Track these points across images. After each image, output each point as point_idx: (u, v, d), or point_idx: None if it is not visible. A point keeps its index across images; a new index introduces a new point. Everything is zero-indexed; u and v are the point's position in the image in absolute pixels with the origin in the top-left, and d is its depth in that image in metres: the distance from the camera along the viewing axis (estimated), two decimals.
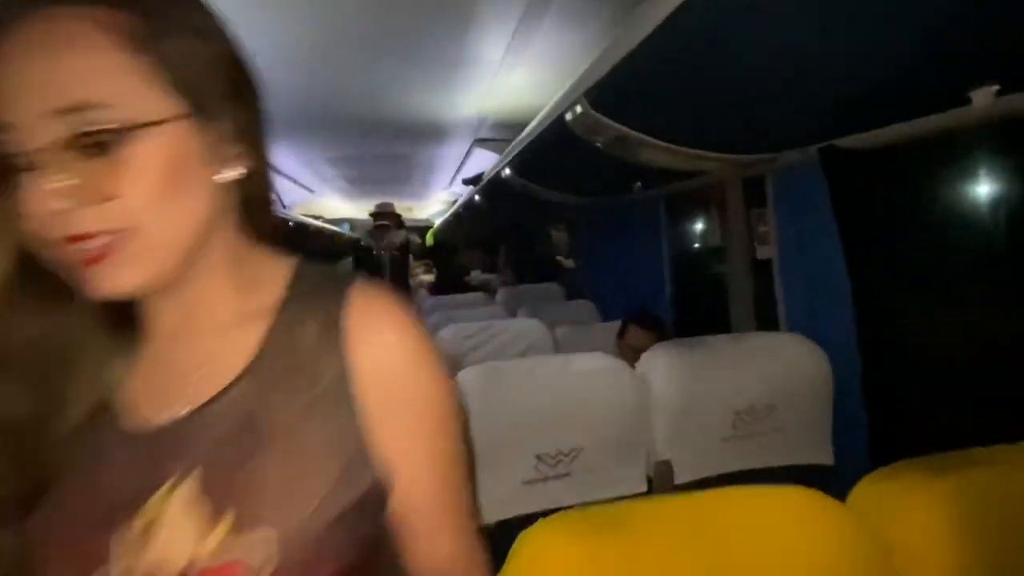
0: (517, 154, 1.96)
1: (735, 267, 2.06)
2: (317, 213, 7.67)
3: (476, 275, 6.41)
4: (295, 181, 5.46)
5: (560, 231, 4.62)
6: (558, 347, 2.34)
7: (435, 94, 2.68)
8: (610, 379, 1.42)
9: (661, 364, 1.44)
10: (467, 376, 1.38)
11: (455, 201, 6.26)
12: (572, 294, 3.70)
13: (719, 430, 1.42)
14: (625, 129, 1.22)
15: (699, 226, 2.86)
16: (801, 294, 1.68)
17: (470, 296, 3.94)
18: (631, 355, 1.65)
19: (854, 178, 1.45)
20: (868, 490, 0.86)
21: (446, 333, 2.31)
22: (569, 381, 1.41)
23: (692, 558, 0.80)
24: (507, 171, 2.21)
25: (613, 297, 3.10)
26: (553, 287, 3.89)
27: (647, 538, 0.81)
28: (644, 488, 1.42)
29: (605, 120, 1.19)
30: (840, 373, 1.46)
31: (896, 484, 0.84)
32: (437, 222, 8.51)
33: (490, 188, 2.90)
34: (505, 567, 0.74)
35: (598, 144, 1.28)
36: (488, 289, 4.40)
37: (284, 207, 5.48)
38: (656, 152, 1.33)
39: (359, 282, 0.58)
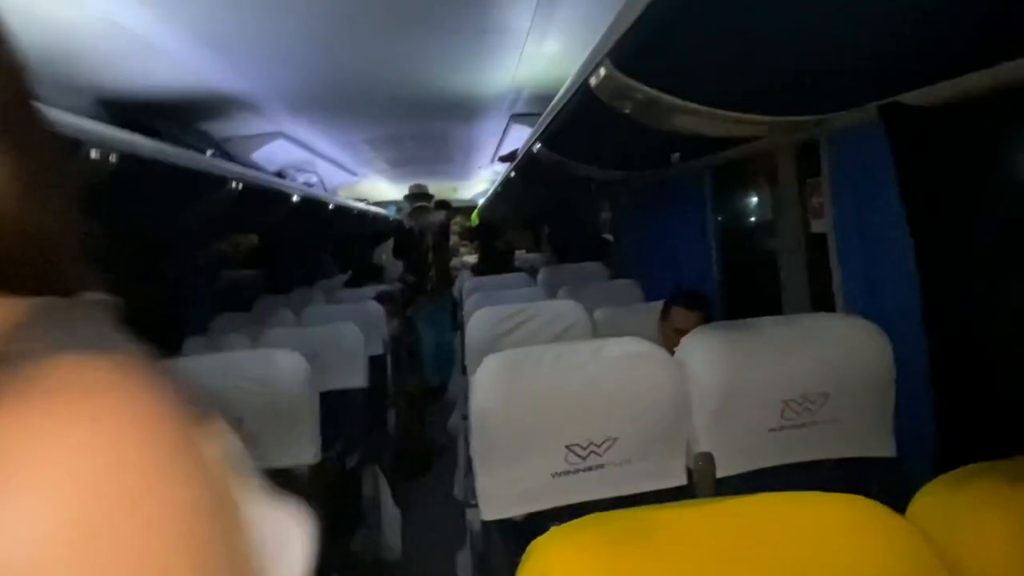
0: (546, 127, 1.86)
1: (787, 243, 1.93)
2: (363, 196, 7.74)
3: (521, 255, 6.37)
4: (337, 164, 5.49)
5: (604, 207, 4.49)
6: (597, 329, 2.25)
7: (466, 68, 2.60)
8: (646, 365, 1.34)
9: (701, 349, 1.34)
10: (492, 363, 1.32)
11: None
12: (619, 273, 3.59)
13: (766, 420, 1.32)
14: (655, 91, 1.11)
15: (749, 199, 2.71)
16: (860, 271, 1.54)
17: (512, 277, 3.89)
18: (674, 338, 1.56)
19: (921, 139, 1.29)
20: (931, 499, 0.74)
21: (480, 316, 2.26)
22: (602, 367, 1.34)
23: (726, 574, 0.70)
24: (538, 146, 2.12)
25: (658, 276, 2.98)
26: (597, 266, 3.79)
27: (674, 549, 0.72)
28: (684, 481, 1.35)
29: (632, 83, 1.08)
30: (903, 358, 1.32)
31: (963, 492, 0.72)
32: (481, 202, 8.45)
33: (524, 164, 2.80)
34: None
35: (626, 110, 1.17)
36: (533, 269, 4.34)
37: (326, 190, 5.51)
38: (691, 117, 1.22)
39: (49, 368, 0.28)
